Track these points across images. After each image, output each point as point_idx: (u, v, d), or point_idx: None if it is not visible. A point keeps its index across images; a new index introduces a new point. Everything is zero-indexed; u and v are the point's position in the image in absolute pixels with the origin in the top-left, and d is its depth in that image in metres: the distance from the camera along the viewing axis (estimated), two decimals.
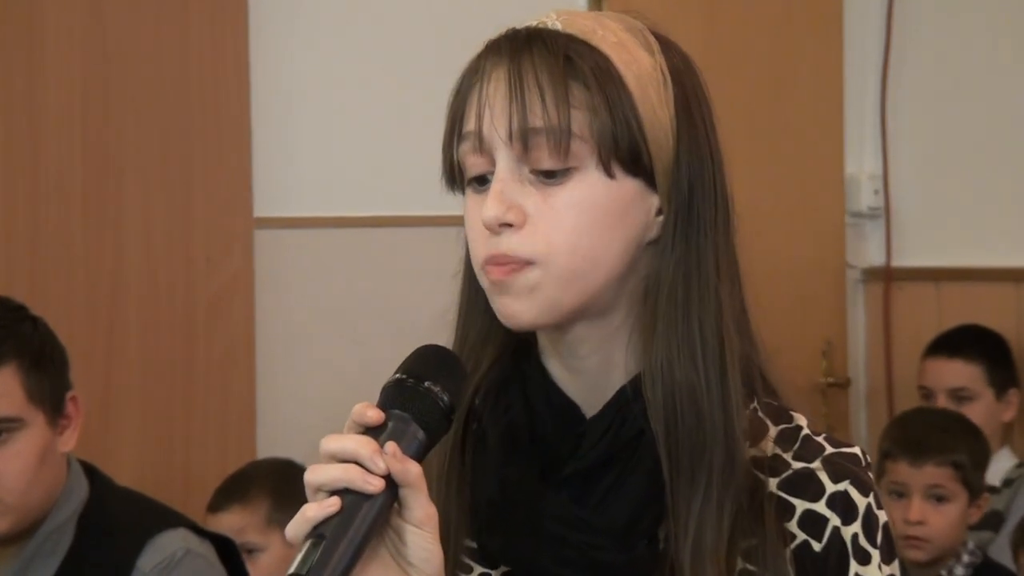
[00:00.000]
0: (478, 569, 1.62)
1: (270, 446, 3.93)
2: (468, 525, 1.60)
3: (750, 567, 1.55)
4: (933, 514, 3.71)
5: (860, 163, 5.25)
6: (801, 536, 1.57)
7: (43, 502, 2.72)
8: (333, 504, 1.41)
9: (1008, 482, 4.52)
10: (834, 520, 1.57)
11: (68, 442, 2.77)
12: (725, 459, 1.55)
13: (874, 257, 5.27)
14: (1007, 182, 5.05)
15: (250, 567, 3.17)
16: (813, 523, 1.57)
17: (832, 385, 5.17)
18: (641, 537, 1.56)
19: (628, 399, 1.58)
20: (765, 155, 4.99)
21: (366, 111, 4.20)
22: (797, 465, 1.59)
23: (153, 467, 3.76)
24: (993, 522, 4.27)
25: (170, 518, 2.81)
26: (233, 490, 3.57)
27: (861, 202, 5.23)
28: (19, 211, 3.78)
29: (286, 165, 4.18)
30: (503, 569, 1.61)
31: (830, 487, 1.58)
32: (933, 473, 3.73)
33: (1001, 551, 3.89)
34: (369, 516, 1.43)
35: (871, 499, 1.58)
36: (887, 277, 5.22)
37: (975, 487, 3.77)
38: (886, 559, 1.58)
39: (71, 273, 3.81)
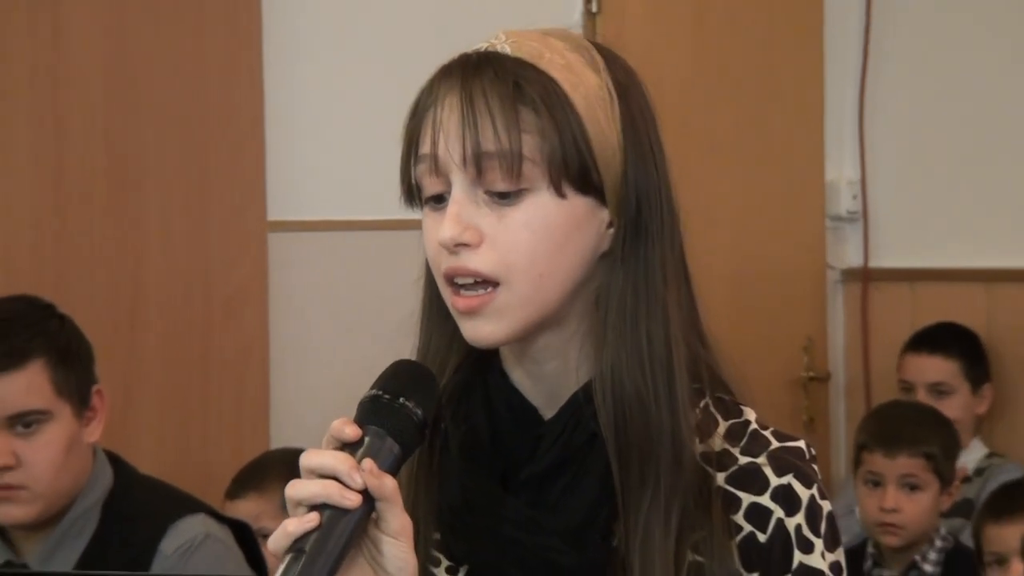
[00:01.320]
0: (445, 562, 1.61)
1: (283, 437, 3.93)
2: (435, 521, 1.58)
3: (699, 558, 1.54)
4: (907, 502, 3.72)
5: (839, 169, 5.25)
6: (747, 528, 1.56)
7: (70, 489, 2.71)
8: (312, 520, 1.41)
9: (979, 471, 4.53)
10: (778, 512, 1.56)
11: (94, 433, 2.76)
12: (672, 461, 1.54)
13: (852, 259, 5.27)
14: (977, 189, 5.04)
15: (264, 548, 3.07)
16: (758, 515, 1.56)
17: (813, 379, 5.16)
18: (595, 536, 1.55)
19: (580, 404, 1.57)
20: (750, 162, 5.00)
21: (374, 119, 4.07)
22: (743, 460, 1.58)
23: (173, 456, 3.76)
24: (965, 509, 4.27)
25: (190, 504, 2.80)
26: (249, 479, 3.58)
27: (840, 206, 5.22)
28: (45, 215, 3.77)
29: (298, 171, 4.17)
30: (467, 567, 1.60)
31: (774, 481, 1.57)
32: (906, 463, 3.74)
33: (971, 537, 3.91)
34: (347, 530, 1.42)
35: (814, 491, 1.57)
36: (865, 278, 5.22)
37: (946, 476, 3.77)
38: (829, 547, 1.57)
39: (95, 274, 3.80)
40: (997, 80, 5.01)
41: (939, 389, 4.59)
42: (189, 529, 2.72)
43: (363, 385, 1.52)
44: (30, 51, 3.75)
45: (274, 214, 4.11)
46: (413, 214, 1.62)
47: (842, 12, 5.20)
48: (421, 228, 1.59)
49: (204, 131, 4.00)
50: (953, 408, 4.39)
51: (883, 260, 5.22)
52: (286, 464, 3.49)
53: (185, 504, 2.80)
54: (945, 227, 5.12)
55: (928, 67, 5.14)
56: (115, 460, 2.81)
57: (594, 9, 4.63)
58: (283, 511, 3.71)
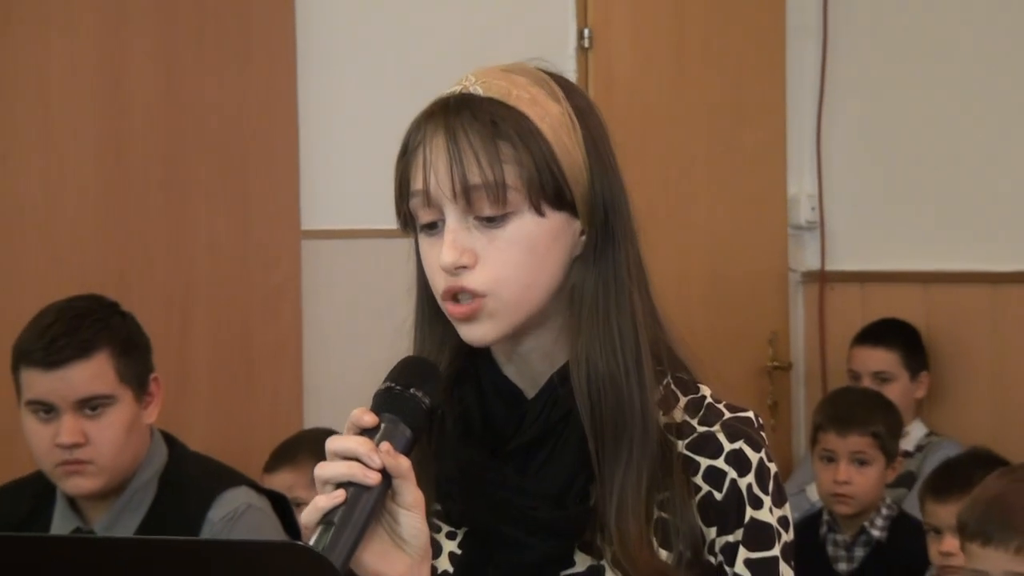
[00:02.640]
0: (445, 528, 1.61)
1: (314, 419, 3.93)
2: (434, 494, 1.58)
3: (664, 515, 1.55)
4: (857, 475, 3.73)
5: (800, 184, 5.24)
6: (705, 488, 1.57)
7: (130, 465, 2.71)
8: (339, 496, 1.41)
9: (920, 447, 4.56)
10: (731, 473, 1.57)
11: (151, 415, 2.76)
12: (643, 431, 1.55)
13: (811, 262, 5.26)
14: (918, 202, 5.04)
15: (299, 516, 3.17)
16: (714, 477, 1.57)
17: (776, 368, 5.16)
18: (574, 499, 1.56)
19: (556, 385, 1.58)
20: (722, 177, 4.99)
21: (394, 139, 4.18)
22: (701, 429, 1.59)
23: (219, 435, 3.75)
24: (907, 481, 4.30)
25: (234, 478, 2.80)
26: (284, 454, 3.59)
27: (800, 217, 5.22)
28: (111, 226, 3.76)
29: (327, 186, 4.15)
30: (465, 528, 1.61)
31: (727, 446, 1.58)
32: (856, 442, 3.76)
33: (913, 505, 3.88)
34: (369, 504, 1.42)
35: (762, 454, 1.58)
36: (821, 279, 5.22)
37: (891, 453, 3.79)
38: (776, 503, 1.59)
39: (152, 276, 3.80)
40: (936, 110, 5.01)
41: (881, 377, 4.60)
42: (233, 500, 2.72)
43: (384, 373, 1.53)
44: (98, 80, 3.74)
45: (306, 224, 4.10)
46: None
47: (801, 48, 5.21)
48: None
49: (245, 150, 3.99)
50: (894, 393, 4.40)
51: (837, 264, 5.22)
52: (316, 442, 3.53)
53: (229, 478, 2.80)
54: (890, 235, 5.12)
55: (876, 97, 5.14)
56: (169, 439, 2.82)
57: (586, 45, 4.61)
58: (314, 483, 3.72)
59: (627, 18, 4.76)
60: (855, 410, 3.84)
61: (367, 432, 1.46)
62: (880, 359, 4.67)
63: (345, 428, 1.47)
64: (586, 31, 4.63)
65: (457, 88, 1.58)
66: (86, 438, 2.65)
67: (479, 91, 1.56)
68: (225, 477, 2.79)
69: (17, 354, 2.70)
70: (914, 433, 4.57)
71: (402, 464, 1.44)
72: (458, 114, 1.54)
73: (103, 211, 3.75)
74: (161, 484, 2.74)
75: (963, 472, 3.13)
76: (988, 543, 2.57)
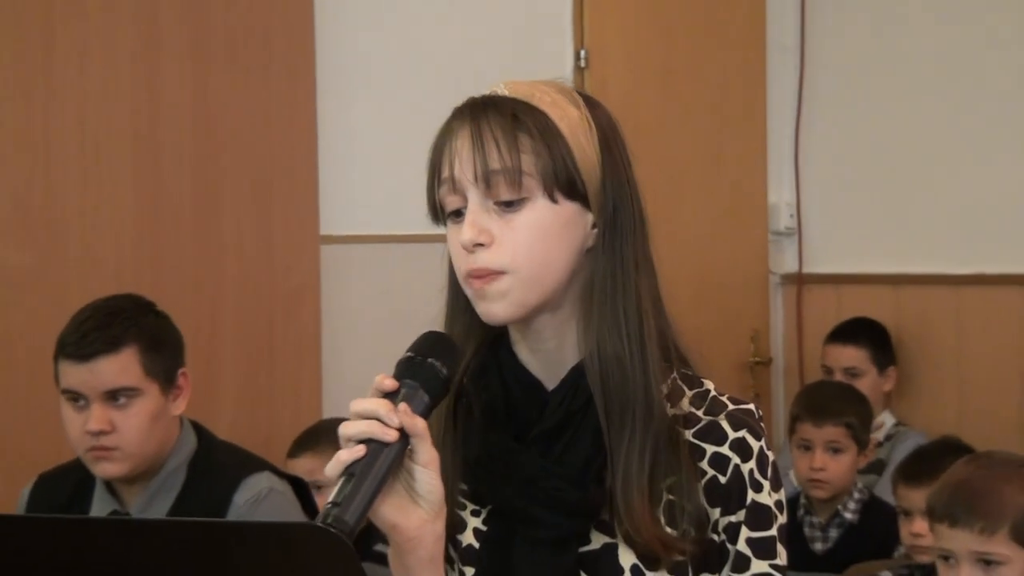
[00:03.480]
0: (471, 506, 1.61)
1: (332, 410, 3.93)
2: (461, 474, 1.59)
3: (672, 497, 1.55)
4: (831, 462, 3.74)
5: (779, 194, 5.25)
6: (711, 472, 1.57)
7: (156, 452, 2.69)
8: (360, 450, 1.41)
9: (889, 437, 4.56)
10: (735, 459, 1.57)
11: (179, 407, 2.74)
12: (645, 409, 1.55)
13: (790, 266, 5.26)
14: (888, 210, 5.05)
15: (318, 498, 3.13)
16: (719, 462, 1.58)
17: (758, 363, 5.17)
18: (591, 480, 1.56)
19: (576, 376, 1.58)
20: (707, 187, 5.01)
21: (408, 150, 4.09)
22: (706, 419, 1.59)
23: (244, 424, 3.75)
24: (877, 468, 4.31)
25: (258, 463, 2.78)
26: (305, 442, 3.57)
27: (780, 224, 5.23)
28: (146, 231, 3.77)
29: (344, 194, 4.14)
30: (490, 507, 1.61)
31: (731, 434, 1.58)
32: (831, 431, 3.76)
33: (883, 490, 3.91)
34: (388, 459, 1.42)
35: (762, 443, 1.59)
36: (799, 281, 5.22)
37: (863, 441, 3.79)
38: (774, 488, 1.59)
39: (183, 278, 3.80)
40: (906, 126, 5.02)
41: (852, 372, 4.61)
42: (256, 484, 2.70)
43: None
44: (133, 99, 3.74)
45: (325, 229, 4.09)
46: (439, 230, 1.64)
47: (780, 66, 5.22)
48: (446, 241, 1.61)
49: (268, 163, 3.99)
50: (864, 386, 4.40)
51: (814, 267, 5.23)
52: (335, 430, 3.51)
53: (254, 464, 2.78)
54: (862, 241, 5.13)
55: (850, 113, 5.14)
56: (198, 428, 2.81)
57: (583, 64, 4.63)
58: None
59: (619, 40, 4.77)
60: (829, 402, 3.85)
61: (388, 396, 1.46)
62: (851, 355, 4.67)
63: (369, 392, 1.47)
64: (582, 52, 4.65)
65: (487, 91, 1.60)
66: (113, 426, 2.64)
67: (505, 93, 1.58)
68: (249, 463, 2.78)
69: (56, 346, 2.69)
70: (883, 424, 4.58)
71: (418, 424, 1.44)
72: (484, 110, 1.56)
73: (139, 218, 3.75)
74: (191, 469, 2.73)
75: (933, 459, 3.13)
76: (955, 524, 2.56)
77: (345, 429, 1.44)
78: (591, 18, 4.66)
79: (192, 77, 3.84)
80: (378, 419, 1.43)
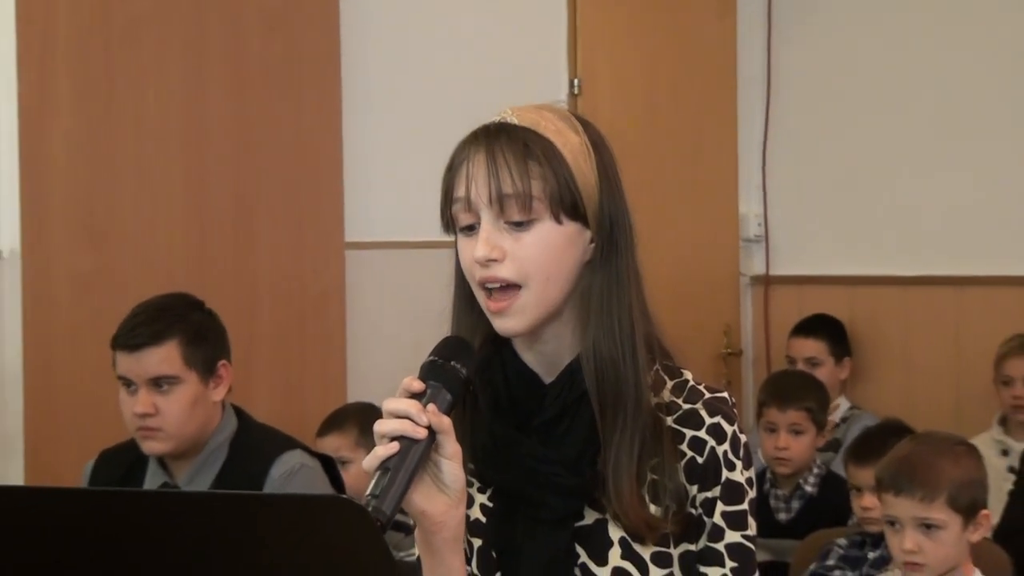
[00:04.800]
0: (477, 484, 1.61)
1: (355, 395, 3.92)
2: (469, 457, 1.56)
3: (655, 477, 1.55)
4: (793, 442, 3.72)
5: (749, 206, 5.25)
6: (689, 454, 1.56)
7: (197, 432, 2.68)
8: (394, 447, 1.40)
9: (844, 419, 4.56)
10: (711, 442, 1.56)
11: (219, 394, 2.72)
12: (635, 405, 1.54)
13: (758, 268, 5.26)
14: (845, 220, 5.06)
15: (343, 473, 3.13)
16: (697, 445, 1.56)
17: (730, 354, 5.17)
18: (586, 466, 1.55)
19: (572, 372, 1.57)
20: (686, 200, 5.01)
21: (426, 164, 4.04)
22: (685, 406, 1.58)
23: (278, 408, 3.74)
24: (834, 446, 4.31)
25: (291, 442, 2.78)
26: (332, 423, 3.56)
27: (749, 232, 5.24)
28: (193, 239, 3.77)
29: (367, 205, 4.13)
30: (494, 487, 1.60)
31: (708, 420, 1.57)
32: (793, 415, 3.74)
33: (839, 466, 3.89)
34: (418, 454, 1.42)
35: (735, 427, 1.58)
36: (766, 282, 5.23)
37: (821, 423, 3.78)
38: (745, 467, 1.58)
39: (226, 280, 3.79)
40: (859, 148, 5.03)
41: (812, 362, 4.61)
42: (290, 460, 2.70)
43: (416, 361, 1.52)
44: (182, 122, 3.74)
45: (350, 237, 4.08)
46: (451, 237, 1.63)
47: (749, 95, 5.22)
48: (455, 247, 1.60)
49: (299, 177, 3.98)
50: (823, 375, 4.40)
51: (779, 270, 5.23)
52: (358, 412, 3.54)
53: (287, 442, 2.78)
54: (821, 247, 5.13)
55: (810, 135, 5.15)
56: (239, 411, 2.81)
57: (576, 91, 4.63)
58: (357, 445, 3.65)
59: (608, 71, 4.78)
60: (792, 390, 3.83)
61: (416, 396, 1.45)
62: (811, 347, 4.67)
63: (397, 392, 1.46)
64: (576, 80, 4.64)
65: (497, 118, 1.57)
66: (156, 409, 2.63)
67: (514, 121, 1.55)
68: (284, 442, 2.78)
69: (113, 338, 2.70)
70: (840, 407, 4.58)
71: (444, 422, 1.44)
72: (497, 137, 1.53)
73: (187, 227, 3.76)
74: (232, 447, 2.73)
75: (878, 441, 3.12)
76: (899, 493, 2.59)
77: (380, 427, 1.43)
78: (583, 52, 4.67)
79: (233, 102, 3.84)
80: (409, 418, 1.42)
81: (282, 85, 3.94)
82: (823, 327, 4.75)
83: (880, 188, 4.97)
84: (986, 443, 4.08)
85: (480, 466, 1.59)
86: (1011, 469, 4.00)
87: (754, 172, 5.24)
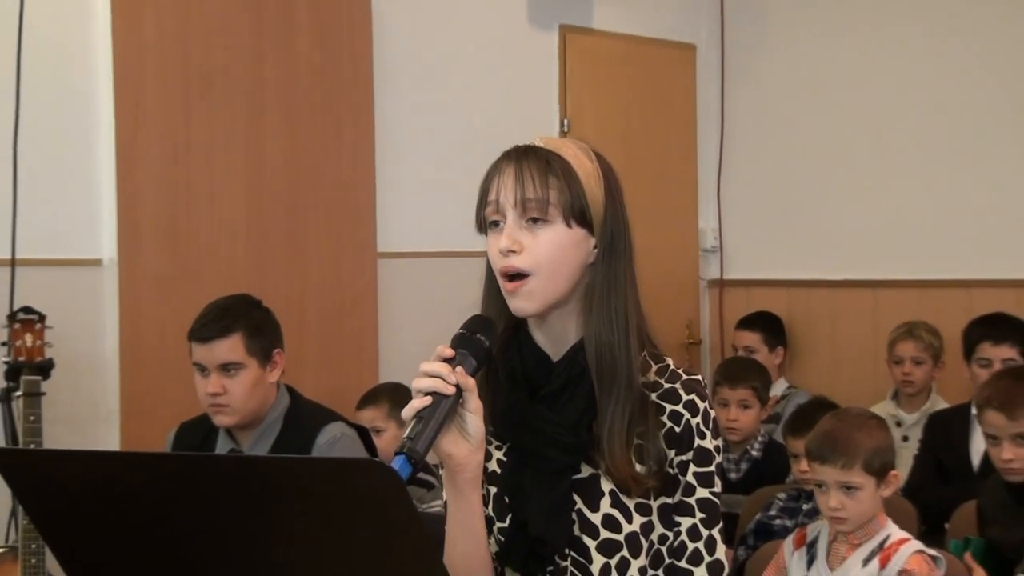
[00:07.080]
0: (495, 442, 1.59)
1: (386, 377, 3.89)
2: (489, 420, 1.54)
3: (640, 442, 1.53)
4: (742, 415, 3.73)
5: (707, 221, 5.23)
6: (669, 424, 1.54)
7: (258, 408, 2.67)
8: (427, 400, 1.40)
9: (783, 396, 4.55)
10: (686, 415, 1.54)
11: (275, 376, 2.71)
12: (627, 383, 1.53)
13: (714, 273, 5.25)
14: (785, 235, 5.05)
15: (376, 440, 3.12)
16: (675, 417, 1.54)
17: (691, 344, 5.17)
18: (584, 428, 1.54)
19: (575, 352, 1.56)
20: (655, 216, 4.98)
21: (447, 184, 4.11)
22: (667, 385, 1.56)
23: (323, 387, 3.71)
24: (776, 418, 4.29)
25: (334, 415, 2.76)
26: (368, 398, 3.55)
27: (707, 243, 5.22)
28: (253, 250, 3.75)
29: (397, 218, 4.11)
30: (509, 444, 1.59)
31: (684, 396, 1.55)
32: (742, 393, 3.75)
33: (779, 435, 3.90)
34: (447, 407, 1.41)
35: (706, 403, 1.56)
36: (721, 285, 5.22)
37: (764, 400, 3.79)
38: (714, 436, 1.57)
39: (279, 283, 3.78)
40: (800, 176, 5.02)
41: (749, 350, 4.59)
42: (333, 430, 2.69)
43: (434, 348, 1.49)
44: (244, 153, 3.73)
45: (381, 247, 4.07)
46: (476, 247, 1.62)
47: (707, 131, 5.21)
48: (482, 257, 1.58)
49: (339, 196, 3.95)
50: (762, 360, 4.39)
51: (732, 275, 5.22)
52: (390, 391, 3.54)
53: (330, 415, 2.76)
54: (766, 256, 5.12)
55: (758, 164, 5.14)
56: (290, 390, 2.79)
57: (566, 129, 4.63)
58: (388, 416, 3.61)
59: (592, 112, 4.79)
60: (740, 372, 3.83)
61: (448, 360, 1.44)
62: (748, 338, 4.67)
63: (432, 356, 1.44)
64: (565, 120, 4.65)
65: (528, 143, 1.57)
66: (224, 390, 2.63)
67: (541, 144, 1.55)
68: (327, 415, 2.76)
69: (189, 331, 2.70)
70: (779, 386, 4.58)
71: (469, 382, 1.43)
72: (525, 155, 1.53)
73: (248, 240, 3.75)
74: (285, 420, 2.72)
75: (809, 415, 3.12)
76: (824, 462, 2.59)
77: (417, 383, 1.42)
78: (572, 97, 4.68)
79: (285, 138, 3.84)
80: (441, 377, 1.41)
81: (325, 125, 3.94)
82: (759, 322, 4.73)
83: (815, 208, 4.97)
84: (881, 414, 4.08)
85: (498, 427, 1.57)
86: (905, 439, 4.01)
87: (711, 194, 5.23)
